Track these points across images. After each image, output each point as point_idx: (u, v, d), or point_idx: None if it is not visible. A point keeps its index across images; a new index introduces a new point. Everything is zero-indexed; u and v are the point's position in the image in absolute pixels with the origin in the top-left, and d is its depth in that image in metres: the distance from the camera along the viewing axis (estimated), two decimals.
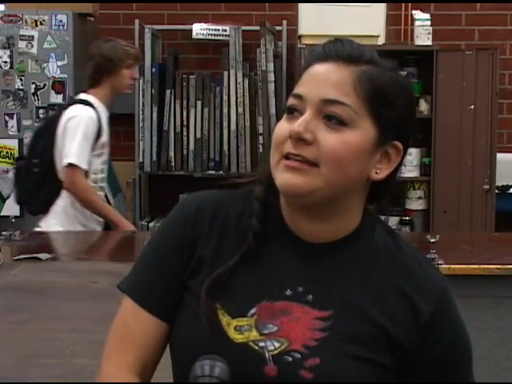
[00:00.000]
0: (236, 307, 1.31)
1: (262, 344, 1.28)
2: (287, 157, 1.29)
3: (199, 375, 1.17)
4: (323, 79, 1.30)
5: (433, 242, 3.40)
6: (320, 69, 1.31)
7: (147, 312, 1.36)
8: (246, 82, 5.67)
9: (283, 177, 1.29)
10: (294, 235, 1.35)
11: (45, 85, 5.47)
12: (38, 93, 5.47)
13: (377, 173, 1.33)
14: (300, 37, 5.52)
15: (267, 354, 1.27)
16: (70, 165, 3.95)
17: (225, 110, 5.67)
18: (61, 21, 5.43)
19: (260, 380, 1.26)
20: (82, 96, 4.18)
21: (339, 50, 1.32)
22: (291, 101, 1.32)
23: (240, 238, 1.35)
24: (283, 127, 1.31)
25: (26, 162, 4.22)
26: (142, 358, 1.35)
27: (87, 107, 4.03)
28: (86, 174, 4.03)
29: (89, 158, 4.00)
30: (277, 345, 1.28)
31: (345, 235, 1.35)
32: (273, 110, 5.60)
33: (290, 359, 1.27)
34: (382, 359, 1.29)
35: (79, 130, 3.96)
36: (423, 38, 5.43)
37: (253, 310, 1.30)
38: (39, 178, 4.06)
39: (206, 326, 1.29)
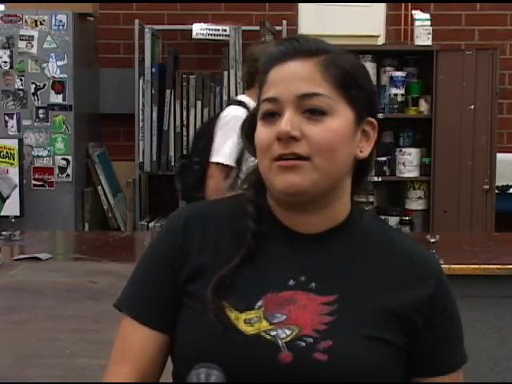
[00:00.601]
0: (242, 302, 1.33)
1: (273, 333, 1.30)
2: (278, 158, 1.32)
3: (195, 383, 1.18)
4: (292, 77, 1.33)
5: (433, 242, 3.40)
6: (284, 68, 1.34)
7: (143, 325, 1.38)
8: None
9: (282, 179, 1.31)
10: (288, 229, 1.38)
11: (45, 85, 5.46)
12: (38, 93, 5.46)
13: (361, 151, 1.38)
14: None
15: (280, 342, 1.29)
16: (214, 162, 4.10)
17: None
18: (61, 21, 5.42)
19: (276, 368, 1.28)
20: (240, 97, 4.37)
21: (296, 47, 1.35)
22: (266, 106, 1.34)
23: (237, 239, 1.37)
24: (265, 132, 1.34)
25: (188, 160, 4.39)
26: (143, 368, 1.37)
27: (239, 107, 4.14)
28: (231, 169, 4.11)
29: (236, 154, 4.08)
30: (288, 332, 1.30)
31: (337, 223, 1.39)
32: None
33: (303, 344, 1.29)
34: (393, 338, 1.32)
35: (226, 129, 4.08)
36: (423, 38, 5.43)
37: (259, 303, 1.32)
38: (200, 176, 4.17)
39: (216, 322, 1.30)
